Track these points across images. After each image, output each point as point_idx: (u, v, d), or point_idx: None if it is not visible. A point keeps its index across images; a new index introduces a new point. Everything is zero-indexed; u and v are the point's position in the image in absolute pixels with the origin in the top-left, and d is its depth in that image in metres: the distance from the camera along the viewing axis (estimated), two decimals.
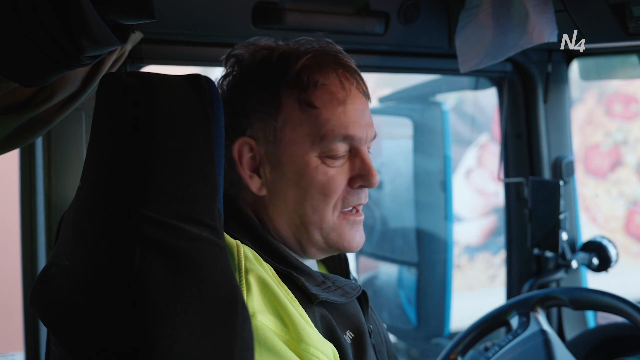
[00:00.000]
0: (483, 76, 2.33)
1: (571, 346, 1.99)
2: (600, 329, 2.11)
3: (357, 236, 1.27)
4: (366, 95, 1.28)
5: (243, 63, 1.27)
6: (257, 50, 1.27)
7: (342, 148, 1.23)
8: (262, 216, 1.26)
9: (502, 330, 2.13)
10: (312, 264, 1.32)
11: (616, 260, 2.21)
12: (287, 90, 1.22)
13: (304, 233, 1.24)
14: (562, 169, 2.26)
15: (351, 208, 1.26)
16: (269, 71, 1.24)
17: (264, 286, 1.13)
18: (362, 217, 1.28)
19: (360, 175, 1.24)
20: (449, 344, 1.86)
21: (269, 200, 1.25)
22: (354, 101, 1.24)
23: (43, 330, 1.62)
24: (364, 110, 1.26)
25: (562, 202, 2.11)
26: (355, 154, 1.25)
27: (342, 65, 1.25)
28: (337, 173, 1.23)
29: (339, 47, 1.29)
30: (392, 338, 3.41)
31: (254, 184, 1.24)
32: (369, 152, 1.29)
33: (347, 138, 1.22)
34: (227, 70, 1.30)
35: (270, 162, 1.24)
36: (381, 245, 3.36)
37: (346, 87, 1.23)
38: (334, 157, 1.22)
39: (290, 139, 1.22)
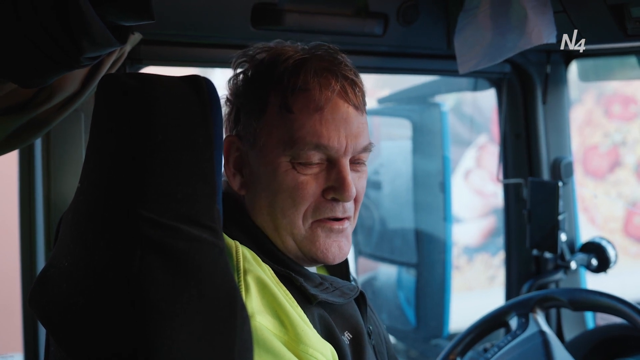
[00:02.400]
0: (482, 77, 2.33)
1: (570, 347, 1.99)
2: (599, 330, 2.11)
3: (334, 246, 1.23)
4: (353, 104, 1.22)
5: (249, 63, 1.28)
6: (257, 52, 1.27)
7: (315, 156, 1.20)
8: (249, 212, 1.27)
9: (502, 331, 2.13)
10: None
11: (615, 261, 2.21)
12: (273, 93, 1.22)
13: (278, 238, 1.24)
14: (561, 170, 2.26)
15: (327, 217, 1.23)
16: (259, 73, 1.25)
17: (263, 287, 1.13)
18: (342, 227, 1.23)
19: (333, 187, 1.20)
20: (448, 345, 1.86)
21: (248, 200, 1.26)
22: (334, 109, 1.20)
23: (42, 332, 1.62)
24: (347, 119, 1.21)
25: (561, 203, 2.12)
26: (333, 165, 1.21)
27: (330, 72, 1.22)
28: (309, 180, 1.20)
29: (343, 56, 1.26)
30: (391, 339, 3.41)
31: (236, 183, 1.26)
32: (362, 163, 1.26)
33: (320, 147, 1.19)
34: (235, 71, 1.30)
35: (249, 163, 1.25)
36: (380, 246, 3.36)
37: (326, 93, 1.20)
38: (305, 165, 1.20)
39: (265, 141, 1.22)
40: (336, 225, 1.23)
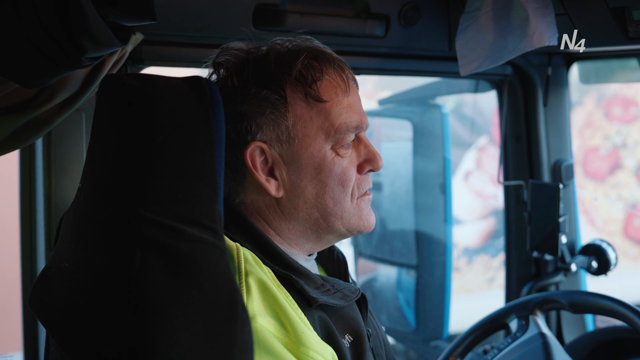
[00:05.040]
0: (483, 79, 2.33)
1: (570, 349, 1.99)
2: (599, 332, 2.11)
3: (372, 215, 1.32)
4: (357, 85, 1.32)
5: (234, 69, 1.26)
6: (247, 54, 1.26)
7: (352, 138, 1.27)
8: (272, 218, 1.26)
9: (501, 333, 2.13)
10: (311, 266, 1.32)
11: (615, 264, 2.21)
12: (292, 88, 1.23)
13: (323, 224, 1.27)
14: (562, 172, 2.26)
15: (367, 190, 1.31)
16: (269, 73, 1.23)
17: (264, 289, 1.13)
18: (372, 196, 1.33)
19: (367, 160, 1.29)
20: (447, 347, 1.86)
21: (286, 200, 1.25)
22: (354, 92, 1.29)
23: (42, 331, 1.62)
24: (359, 99, 1.31)
25: (561, 205, 2.12)
26: (358, 142, 1.29)
27: (335, 59, 1.28)
28: (349, 163, 1.26)
29: (319, 42, 1.31)
30: (390, 340, 3.41)
31: (272, 187, 1.24)
32: None
33: (357, 128, 1.26)
34: (213, 77, 1.29)
35: (285, 162, 1.24)
36: (380, 247, 3.36)
37: (345, 79, 1.27)
38: (345, 148, 1.26)
39: (303, 135, 1.23)
40: (370, 196, 1.32)
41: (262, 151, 1.23)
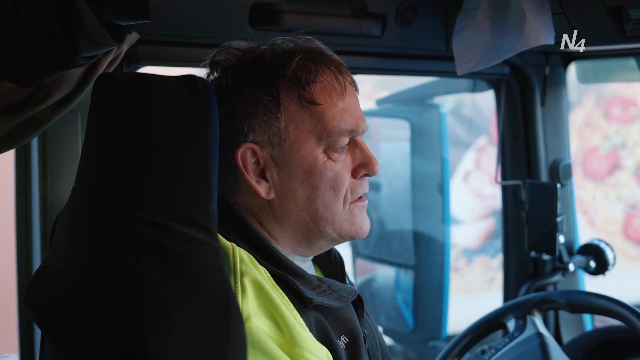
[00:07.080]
0: (480, 78, 2.33)
1: (568, 349, 1.99)
2: (597, 332, 2.11)
3: (366, 221, 1.29)
4: (356, 88, 1.30)
5: (230, 68, 1.25)
6: (244, 54, 1.26)
7: (345, 142, 1.25)
8: (265, 219, 1.26)
9: (499, 333, 2.13)
10: (308, 267, 1.32)
11: (613, 264, 2.21)
12: (285, 89, 1.22)
13: (314, 229, 1.25)
14: (560, 172, 2.26)
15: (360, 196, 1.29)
16: (263, 73, 1.23)
17: (259, 289, 1.12)
18: (367, 202, 1.30)
19: (362, 164, 1.26)
20: (445, 347, 1.85)
21: (277, 203, 1.24)
22: (350, 95, 1.26)
23: (38, 332, 1.62)
24: (357, 102, 1.29)
25: (559, 205, 2.11)
26: (354, 146, 1.27)
27: (333, 61, 1.26)
28: (342, 167, 1.24)
29: (320, 43, 1.29)
30: (389, 341, 3.41)
31: (263, 189, 1.24)
32: None
33: (351, 132, 1.25)
34: (211, 77, 1.28)
35: (276, 164, 1.23)
36: (378, 247, 3.36)
37: (341, 81, 1.25)
38: (338, 152, 1.24)
39: (295, 137, 1.22)
40: (365, 202, 1.29)
41: (254, 152, 1.23)
